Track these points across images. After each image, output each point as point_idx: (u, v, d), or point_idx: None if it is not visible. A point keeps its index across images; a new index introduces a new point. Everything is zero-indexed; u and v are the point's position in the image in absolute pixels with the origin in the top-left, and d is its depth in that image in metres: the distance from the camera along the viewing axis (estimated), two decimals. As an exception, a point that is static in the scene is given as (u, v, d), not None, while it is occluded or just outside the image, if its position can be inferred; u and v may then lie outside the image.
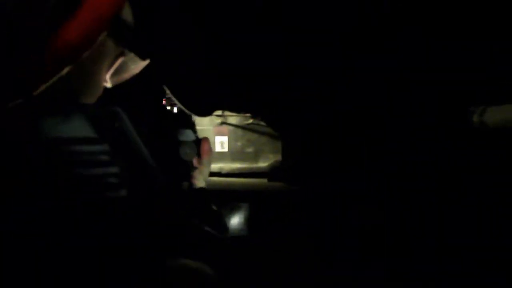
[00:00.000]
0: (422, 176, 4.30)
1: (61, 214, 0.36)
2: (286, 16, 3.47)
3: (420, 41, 3.50)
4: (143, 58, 0.64)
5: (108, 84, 0.64)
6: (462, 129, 3.77)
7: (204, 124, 8.64)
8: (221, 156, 8.64)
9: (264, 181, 7.93)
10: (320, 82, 4.76)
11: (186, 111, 0.98)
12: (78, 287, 0.37)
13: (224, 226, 0.95)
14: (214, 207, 0.93)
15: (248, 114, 8.19)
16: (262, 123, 8.06)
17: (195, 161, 0.96)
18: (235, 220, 5.77)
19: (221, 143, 8.62)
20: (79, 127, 0.43)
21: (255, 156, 8.66)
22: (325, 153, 5.80)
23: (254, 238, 5.20)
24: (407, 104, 4.29)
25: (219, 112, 8.08)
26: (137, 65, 0.68)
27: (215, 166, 8.61)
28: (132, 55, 0.63)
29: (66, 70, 0.44)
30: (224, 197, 6.15)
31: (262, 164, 8.52)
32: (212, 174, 8.46)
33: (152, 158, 0.52)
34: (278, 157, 7.94)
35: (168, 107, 1.27)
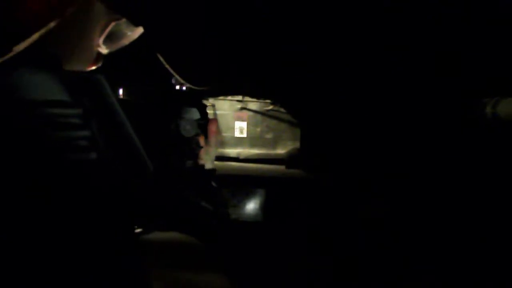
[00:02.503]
0: (433, 168, 4.25)
1: (27, 176, 0.36)
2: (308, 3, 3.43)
3: (435, 32, 3.47)
4: (135, 24, 0.63)
5: (103, 50, 0.63)
6: (474, 121, 3.73)
7: (224, 109, 8.64)
8: (240, 141, 8.65)
9: (281, 167, 7.91)
10: (341, 71, 4.72)
11: (181, 80, 0.97)
12: (51, 251, 0.36)
13: (222, 202, 0.95)
14: (214, 184, 0.93)
15: (268, 100, 8.16)
16: (282, 109, 8.02)
17: (201, 141, 0.95)
18: (250, 206, 5.78)
19: (240, 129, 8.63)
20: (53, 90, 0.42)
21: (274, 143, 8.64)
22: (343, 142, 5.75)
23: (268, 224, 5.21)
24: (421, 95, 4.24)
25: (239, 97, 8.07)
26: (133, 32, 0.67)
27: (233, 151, 8.63)
28: (125, 20, 0.61)
29: (46, 28, 0.43)
30: (241, 182, 6.15)
31: (281, 150, 8.50)
32: (230, 159, 8.49)
33: (132, 129, 0.51)
34: (297, 144, 7.90)
35: (177, 86, 1.26)
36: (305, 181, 6.46)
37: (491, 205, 3.75)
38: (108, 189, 0.43)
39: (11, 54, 0.43)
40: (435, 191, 4.23)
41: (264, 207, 5.73)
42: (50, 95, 0.42)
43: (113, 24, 0.60)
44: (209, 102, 8.33)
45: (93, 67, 0.66)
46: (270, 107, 8.50)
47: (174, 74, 0.91)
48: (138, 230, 0.58)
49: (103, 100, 0.48)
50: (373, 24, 3.60)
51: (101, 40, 0.60)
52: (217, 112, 8.55)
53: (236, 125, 9.03)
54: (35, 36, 0.45)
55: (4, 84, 0.39)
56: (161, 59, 0.86)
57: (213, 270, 0.60)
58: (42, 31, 0.45)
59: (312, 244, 4.18)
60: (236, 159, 8.74)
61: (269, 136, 8.90)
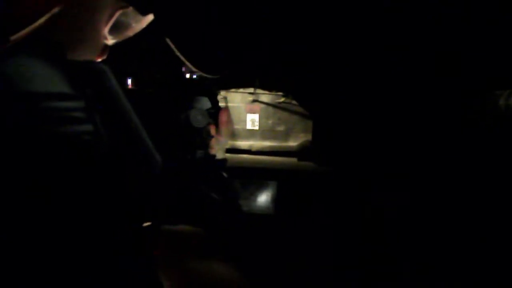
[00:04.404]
0: (446, 162, 4.22)
1: (26, 174, 0.34)
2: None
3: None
4: (142, 13, 0.61)
5: (109, 41, 0.61)
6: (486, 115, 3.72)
7: (236, 101, 8.63)
8: (252, 134, 8.65)
9: (293, 160, 7.90)
10: (352, 64, 4.69)
11: (193, 68, 0.95)
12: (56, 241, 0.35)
13: (233, 193, 0.93)
14: (225, 175, 0.90)
15: (280, 93, 8.13)
16: (294, 102, 7.99)
17: (212, 130, 0.93)
18: (262, 198, 5.77)
19: (252, 121, 8.62)
20: (53, 82, 0.40)
21: (286, 135, 8.62)
22: (355, 134, 5.71)
23: (279, 217, 5.20)
24: (433, 88, 4.22)
25: (251, 90, 8.06)
26: (138, 22, 0.64)
27: (245, 144, 8.63)
28: (132, 9, 0.59)
29: (50, 14, 0.41)
30: (253, 175, 6.15)
31: (292, 143, 8.48)
32: (242, 151, 8.49)
33: (139, 119, 0.50)
34: (309, 137, 7.88)
35: (187, 75, 1.24)
36: (317, 173, 6.43)
37: (504, 198, 3.73)
38: (113, 185, 0.41)
39: (8, 44, 0.41)
40: (446, 185, 4.21)
41: (276, 199, 5.72)
42: (50, 87, 0.40)
43: (119, 13, 0.58)
44: (221, 94, 8.33)
45: (99, 59, 0.64)
46: (282, 99, 8.48)
47: (185, 61, 0.89)
48: (146, 224, 0.56)
49: (108, 92, 0.46)
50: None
51: (106, 30, 0.58)
52: (229, 104, 8.55)
53: (248, 117, 9.03)
54: (37, 23, 0.43)
55: (0, 75, 0.37)
56: (172, 46, 0.85)
57: (221, 259, 0.58)
58: (45, 18, 0.43)
59: (322, 236, 4.16)
60: (248, 151, 8.74)
61: (281, 128, 8.88)
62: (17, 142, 0.37)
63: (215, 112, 1.10)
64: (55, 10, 0.44)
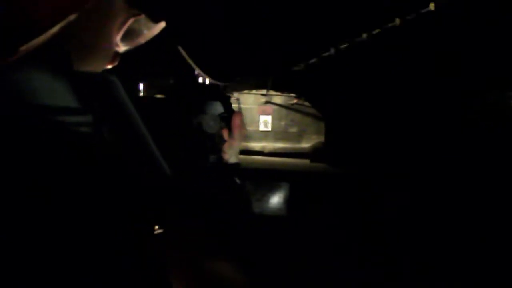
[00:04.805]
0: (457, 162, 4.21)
1: (28, 190, 0.34)
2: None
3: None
4: (155, 20, 0.61)
5: (120, 49, 0.61)
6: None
7: (249, 103, 8.66)
8: (264, 135, 8.66)
9: (306, 161, 7.89)
10: (366, 66, 4.68)
11: (203, 74, 0.96)
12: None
13: (245, 199, 0.93)
14: (237, 180, 0.91)
15: (293, 94, 8.13)
16: (307, 103, 7.98)
17: (225, 134, 0.93)
18: (274, 200, 5.78)
19: (264, 122, 8.64)
20: (59, 94, 0.40)
21: (298, 137, 8.62)
22: (367, 136, 5.70)
23: (291, 218, 5.20)
24: (445, 88, 4.22)
25: (263, 91, 8.07)
26: (150, 30, 0.64)
27: (257, 145, 8.65)
28: (144, 16, 0.60)
29: (65, 22, 0.41)
30: (265, 176, 6.16)
31: (305, 144, 8.48)
32: (255, 152, 8.51)
33: (148, 129, 0.50)
34: (321, 138, 7.86)
35: (200, 79, 1.26)
36: (330, 175, 6.41)
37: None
38: (116, 191, 0.42)
39: (19, 55, 0.40)
40: (451, 185, 4.20)
41: (288, 201, 5.72)
42: (55, 100, 0.40)
43: (131, 20, 0.58)
44: (234, 96, 8.36)
45: (109, 66, 0.64)
46: (295, 101, 8.47)
47: (196, 68, 0.90)
48: (158, 230, 0.57)
49: (116, 104, 0.46)
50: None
51: (118, 38, 0.58)
52: (242, 106, 8.56)
53: (261, 119, 9.04)
54: (50, 32, 0.43)
55: (1, 86, 0.37)
56: (184, 53, 0.86)
57: (229, 260, 0.59)
58: (59, 26, 0.43)
59: (334, 236, 4.15)
60: (260, 153, 8.75)
61: (293, 130, 8.88)
62: (18, 157, 0.38)
63: (228, 116, 1.11)
64: (71, 18, 0.44)
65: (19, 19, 0.39)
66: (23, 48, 0.39)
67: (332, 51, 4.24)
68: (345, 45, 4.08)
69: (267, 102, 8.47)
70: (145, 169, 0.47)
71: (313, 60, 4.76)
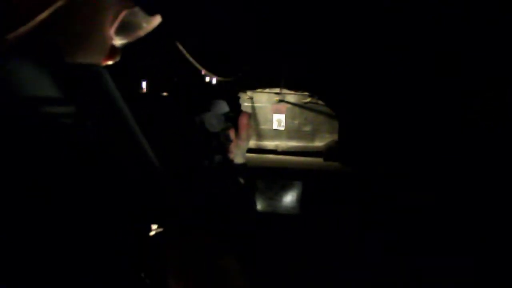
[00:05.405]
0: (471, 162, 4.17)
1: (11, 187, 0.34)
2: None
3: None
4: (149, 13, 0.60)
5: (116, 42, 0.60)
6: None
7: (262, 101, 8.64)
8: (278, 134, 8.65)
9: (319, 160, 7.86)
10: (379, 65, 4.66)
11: (204, 70, 0.96)
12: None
13: (250, 201, 0.92)
14: (242, 181, 0.90)
15: (306, 93, 8.10)
16: (320, 102, 7.95)
17: (231, 134, 0.93)
18: (287, 198, 5.77)
19: (278, 121, 8.63)
20: (40, 84, 0.39)
21: (312, 135, 8.59)
22: (381, 135, 5.67)
23: (304, 217, 5.19)
24: (454, 88, 4.19)
25: (277, 90, 8.06)
26: (149, 23, 0.63)
27: (271, 144, 8.64)
28: (139, 8, 0.58)
29: (52, 9, 0.40)
30: (278, 175, 6.16)
31: (319, 143, 8.44)
32: (268, 151, 8.50)
33: (138, 126, 0.49)
34: (335, 137, 7.83)
35: (207, 78, 1.26)
36: (343, 173, 6.39)
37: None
38: (108, 187, 0.41)
39: (6, 43, 0.40)
40: (460, 185, 4.18)
41: (302, 199, 5.70)
42: (35, 90, 0.39)
43: (125, 12, 0.57)
44: (247, 94, 8.37)
45: (110, 62, 0.62)
46: (308, 99, 8.44)
47: (196, 64, 0.90)
48: (158, 230, 0.57)
49: (103, 96, 0.44)
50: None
51: (112, 31, 0.57)
52: (255, 104, 8.56)
53: (274, 117, 9.03)
54: (37, 19, 0.42)
55: None
56: (183, 51, 0.86)
57: (232, 261, 0.59)
58: (46, 13, 0.42)
59: (348, 235, 4.13)
60: (274, 151, 8.75)
61: (307, 128, 8.85)
62: (6, 145, 0.38)
63: (235, 116, 1.11)
64: (58, 3, 0.44)
65: (5, 6, 0.39)
66: (11, 36, 0.39)
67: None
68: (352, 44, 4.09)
69: (280, 101, 8.45)
70: (133, 163, 0.46)
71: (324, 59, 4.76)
